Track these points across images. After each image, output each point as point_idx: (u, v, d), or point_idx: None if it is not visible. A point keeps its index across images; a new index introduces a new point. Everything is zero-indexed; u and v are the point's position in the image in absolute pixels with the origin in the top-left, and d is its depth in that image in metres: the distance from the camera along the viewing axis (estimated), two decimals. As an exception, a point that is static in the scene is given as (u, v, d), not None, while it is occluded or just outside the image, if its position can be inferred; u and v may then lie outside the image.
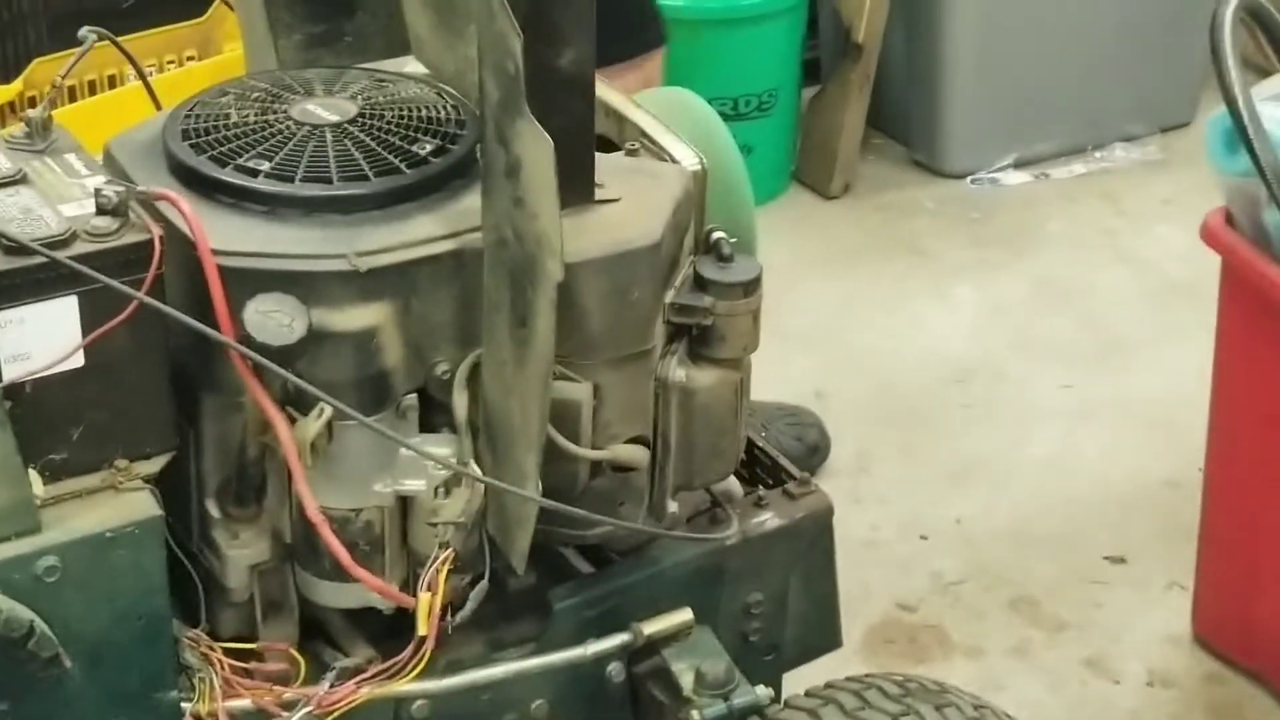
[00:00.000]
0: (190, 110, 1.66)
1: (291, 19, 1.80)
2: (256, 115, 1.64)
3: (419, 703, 1.63)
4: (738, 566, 1.79)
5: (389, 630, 1.66)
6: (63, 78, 1.59)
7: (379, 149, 1.61)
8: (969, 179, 3.54)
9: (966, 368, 2.99)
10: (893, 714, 1.61)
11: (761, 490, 1.85)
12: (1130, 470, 2.75)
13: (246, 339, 1.46)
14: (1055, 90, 3.56)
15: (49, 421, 1.46)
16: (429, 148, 1.62)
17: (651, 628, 1.72)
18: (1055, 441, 2.83)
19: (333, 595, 1.62)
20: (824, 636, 1.90)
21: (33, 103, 3.00)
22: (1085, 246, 3.35)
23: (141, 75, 1.83)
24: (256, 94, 1.68)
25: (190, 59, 3.12)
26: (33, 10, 3.22)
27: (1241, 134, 2.03)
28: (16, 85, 2.98)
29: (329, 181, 1.57)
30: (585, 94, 1.56)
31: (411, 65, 1.82)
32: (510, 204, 1.48)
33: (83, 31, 1.65)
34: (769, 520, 1.81)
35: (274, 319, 1.46)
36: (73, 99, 3.02)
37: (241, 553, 1.60)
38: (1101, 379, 2.97)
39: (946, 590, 2.53)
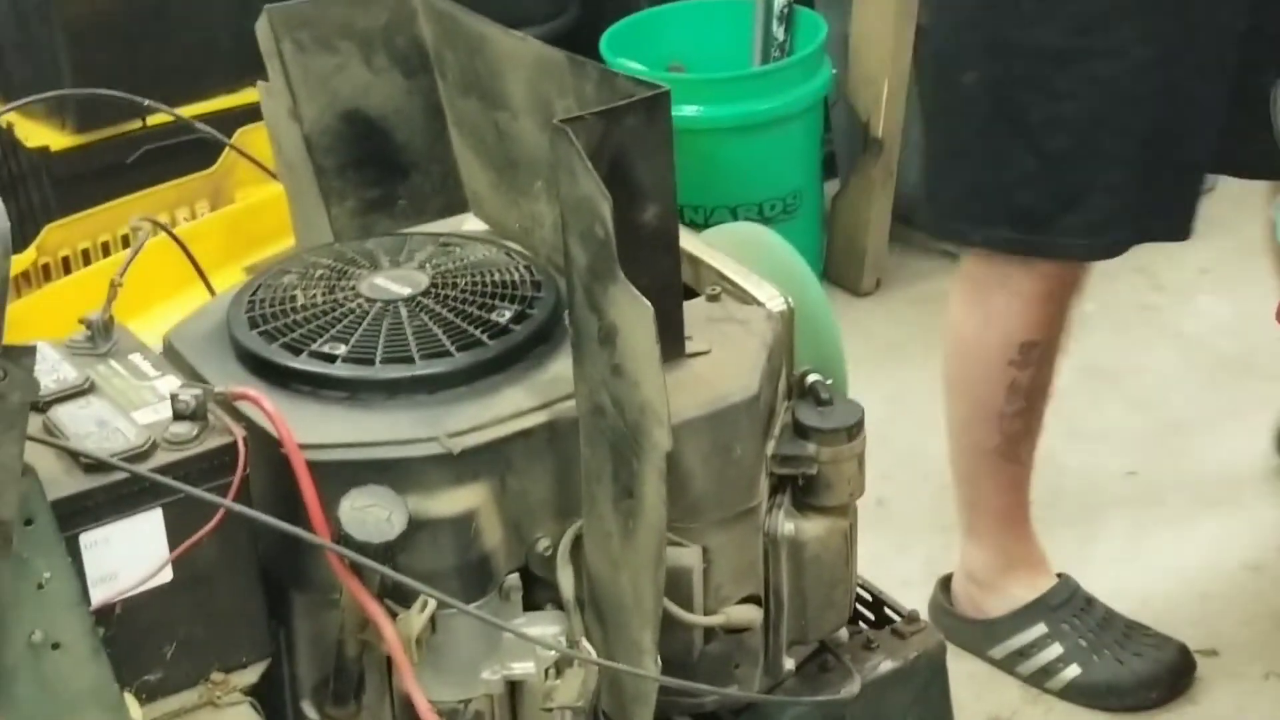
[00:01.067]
0: (253, 295, 1.59)
1: (344, 185, 1.74)
2: (325, 295, 1.57)
3: None
4: (855, 715, 1.71)
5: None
6: (120, 276, 1.52)
7: (458, 321, 1.54)
8: (998, 264, 3.49)
9: (1024, 461, 2.91)
10: None
11: (867, 630, 1.77)
12: (1207, 557, 2.68)
13: (342, 537, 1.39)
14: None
15: (141, 641, 1.39)
16: (508, 315, 1.55)
17: (776, 794, 1.64)
18: (1125, 533, 2.75)
19: (444, 794, 1.53)
20: (943, 778, 1.82)
21: (47, 270, 2.94)
22: (1127, 325, 3.29)
23: (195, 264, 1.75)
24: (320, 271, 1.61)
25: (202, 210, 3.06)
26: (34, 169, 3.17)
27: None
28: (30, 253, 2.92)
29: (410, 361, 1.50)
30: (671, 249, 1.49)
31: (470, 223, 1.76)
32: (607, 372, 1.41)
33: (135, 221, 1.59)
34: (882, 664, 1.73)
35: (372, 514, 1.38)
36: (86, 262, 2.96)
37: (346, 756, 1.52)
38: (1164, 464, 2.90)
39: (1039, 699, 2.44)
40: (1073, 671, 2.46)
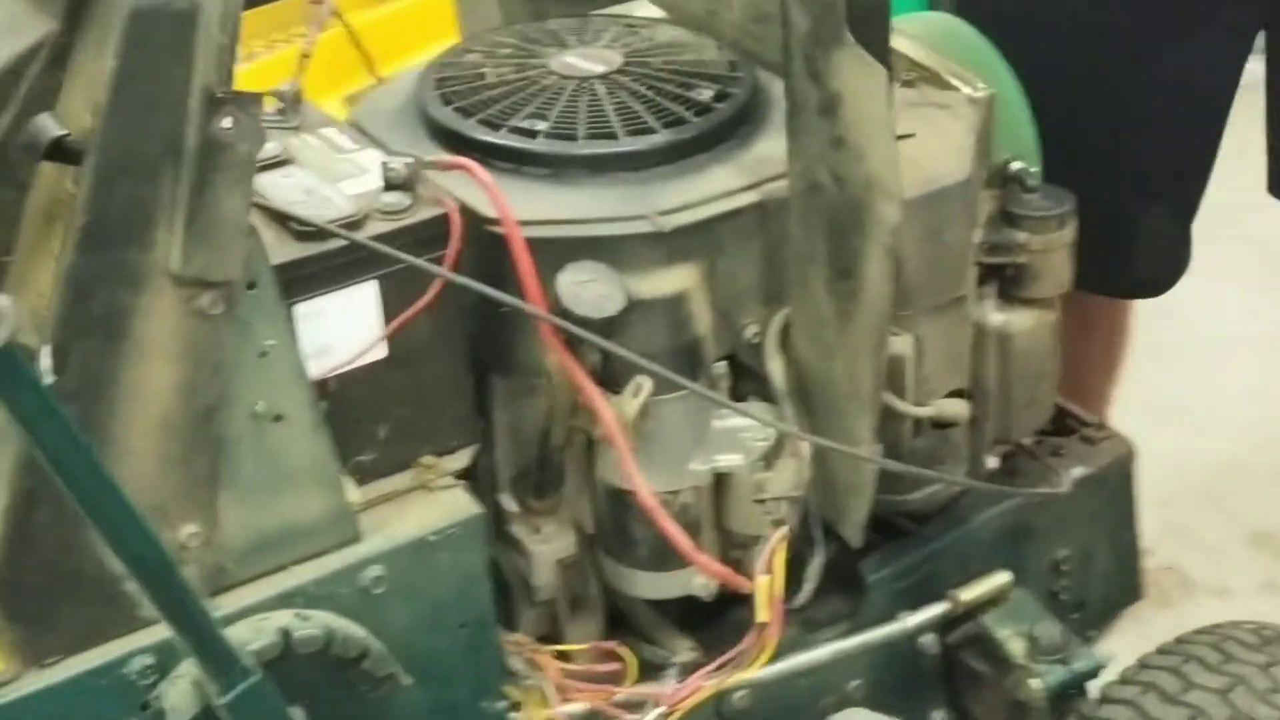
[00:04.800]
0: (439, 74, 1.52)
1: (518, -31, 1.67)
2: (515, 72, 1.51)
3: (740, 693, 1.50)
4: (1045, 522, 1.67)
5: (686, 618, 1.55)
6: (309, 46, 1.46)
7: (658, 99, 1.47)
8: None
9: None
10: (1261, 664, 1.49)
11: (1051, 437, 1.72)
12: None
13: (562, 312, 1.33)
14: None
15: (355, 420, 1.33)
16: (708, 93, 1.48)
17: (969, 594, 1.59)
18: (1253, 371, 2.70)
19: (650, 586, 1.48)
20: (1126, 589, 1.78)
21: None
22: (1233, 159, 3.21)
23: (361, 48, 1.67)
24: (506, 50, 1.55)
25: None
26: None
27: None
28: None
29: (614, 137, 1.44)
30: (883, 23, 1.41)
31: (644, 8, 1.69)
32: (827, 145, 1.35)
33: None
34: (1074, 469, 1.68)
35: (590, 289, 1.33)
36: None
37: (547, 547, 1.47)
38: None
39: (1179, 531, 2.40)
40: None
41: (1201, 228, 2.99)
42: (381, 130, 1.48)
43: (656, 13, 1.67)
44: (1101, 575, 1.73)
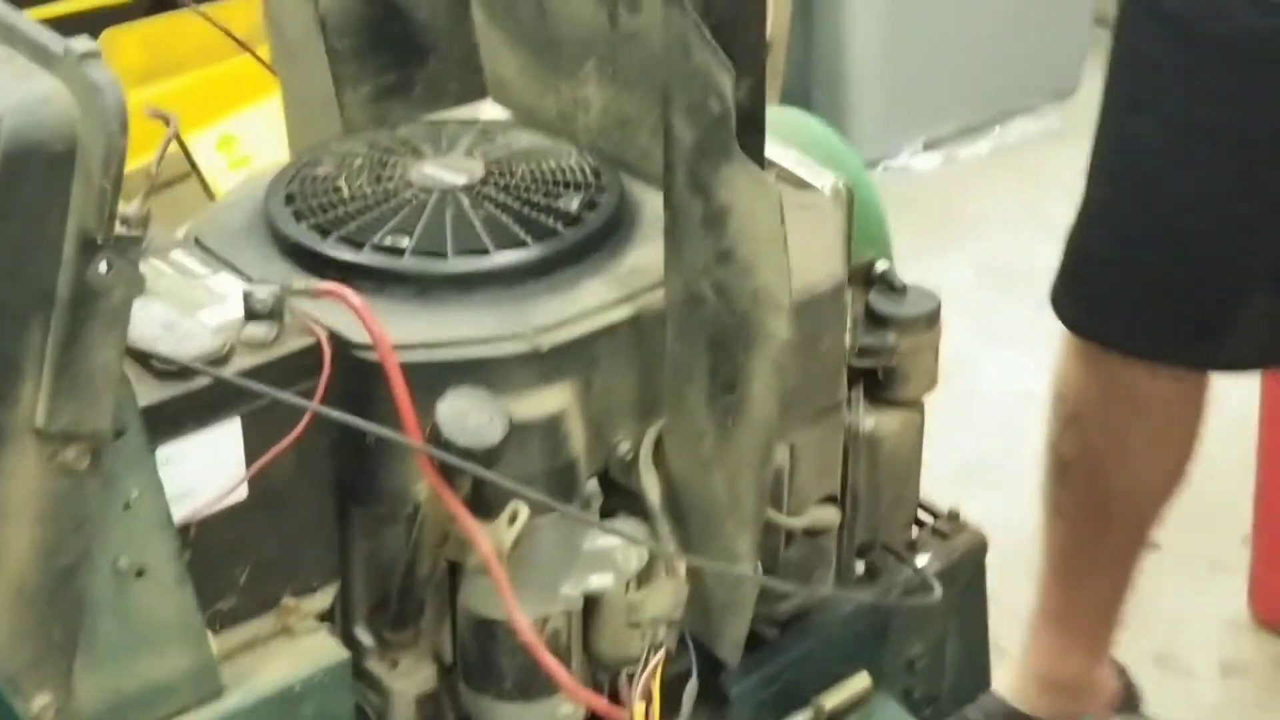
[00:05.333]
0: (288, 187, 1.44)
1: (360, 71, 1.59)
2: (372, 185, 1.44)
3: (608, 822, 1.45)
4: (901, 620, 1.65)
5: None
6: (156, 168, 1.36)
7: (526, 210, 1.42)
8: (880, 166, 3.46)
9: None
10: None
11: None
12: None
13: (443, 443, 1.26)
14: (954, 70, 3.52)
15: (215, 565, 1.25)
16: (576, 203, 1.43)
17: (832, 700, 1.57)
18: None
19: (514, 718, 1.42)
20: (976, 680, 1.78)
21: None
22: (1015, 226, 3.29)
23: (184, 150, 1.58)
24: (358, 160, 1.47)
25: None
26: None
27: None
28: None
29: (484, 252, 1.38)
30: (761, 128, 1.39)
31: (490, 109, 1.63)
32: (711, 258, 1.31)
33: (155, 112, 1.42)
34: (928, 565, 1.67)
35: (472, 418, 1.27)
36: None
37: (407, 683, 1.40)
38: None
39: (992, 600, 2.41)
40: None
41: (992, 291, 3.07)
42: (229, 251, 1.39)
43: (502, 113, 1.62)
44: (953, 668, 1.72)
